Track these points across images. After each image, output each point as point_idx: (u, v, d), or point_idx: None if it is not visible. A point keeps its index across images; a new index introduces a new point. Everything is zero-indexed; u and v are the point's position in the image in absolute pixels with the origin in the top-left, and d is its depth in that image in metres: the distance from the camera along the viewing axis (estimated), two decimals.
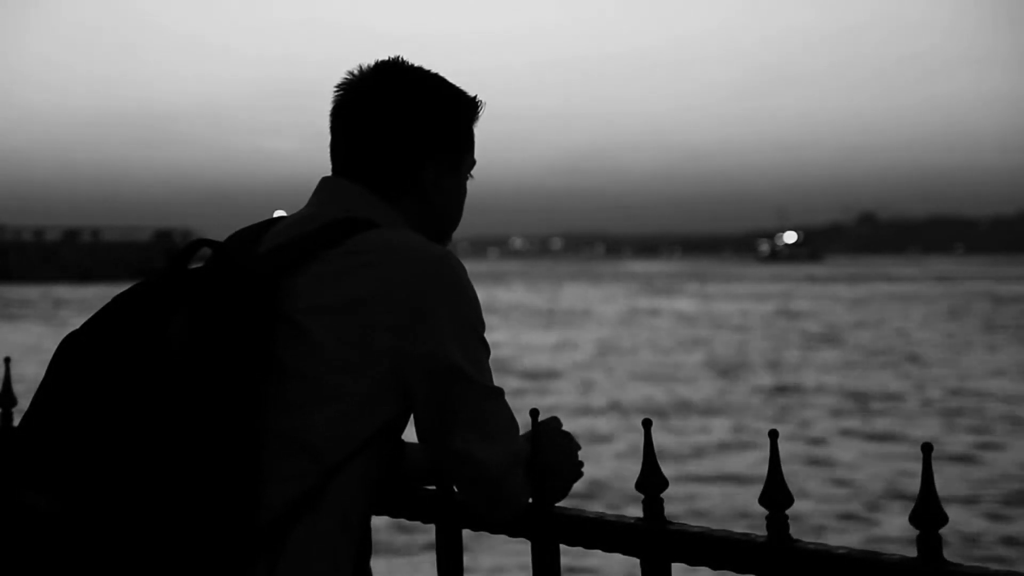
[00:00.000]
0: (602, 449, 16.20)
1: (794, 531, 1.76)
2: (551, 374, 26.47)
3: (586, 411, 20.28)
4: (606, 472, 14.42)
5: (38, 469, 1.82)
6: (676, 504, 12.24)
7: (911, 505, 1.62)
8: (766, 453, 1.81)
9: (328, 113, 2.11)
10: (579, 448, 2.08)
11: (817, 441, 17.18)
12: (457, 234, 2.21)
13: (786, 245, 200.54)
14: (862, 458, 15.77)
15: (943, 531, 1.61)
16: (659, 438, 15.21)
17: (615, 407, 20.86)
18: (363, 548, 2.00)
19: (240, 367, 1.84)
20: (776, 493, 1.74)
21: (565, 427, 2.09)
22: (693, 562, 1.84)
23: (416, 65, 2.10)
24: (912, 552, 1.62)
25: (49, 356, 1.92)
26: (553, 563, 2.01)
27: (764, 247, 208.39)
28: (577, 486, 2.14)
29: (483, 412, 1.92)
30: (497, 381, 1.97)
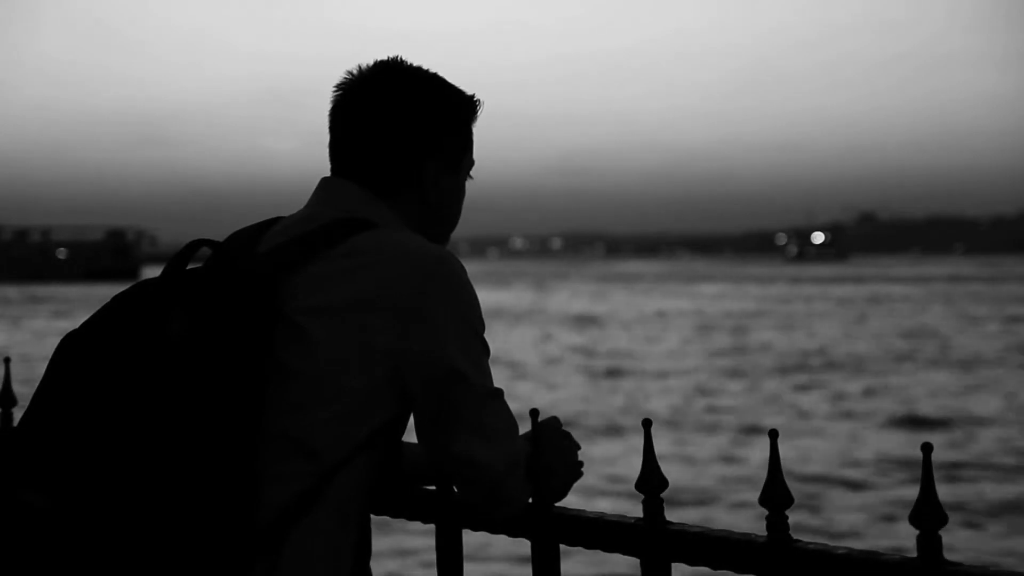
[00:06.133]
0: None
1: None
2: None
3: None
4: None
5: (38, 468, 1.82)
6: None
7: None
8: None
9: (328, 113, 2.11)
10: (579, 448, 2.08)
11: None
12: (457, 234, 2.21)
13: (813, 246, 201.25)
14: None
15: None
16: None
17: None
18: (362, 548, 2.00)
19: (240, 367, 1.84)
20: (776, 493, 1.74)
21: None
22: (693, 562, 1.84)
23: (415, 65, 2.10)
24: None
25: None
26: (553, 563, 2.00)
27: (792, 248, 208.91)
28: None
29: (483, 413, 1.92)
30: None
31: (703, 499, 13.22)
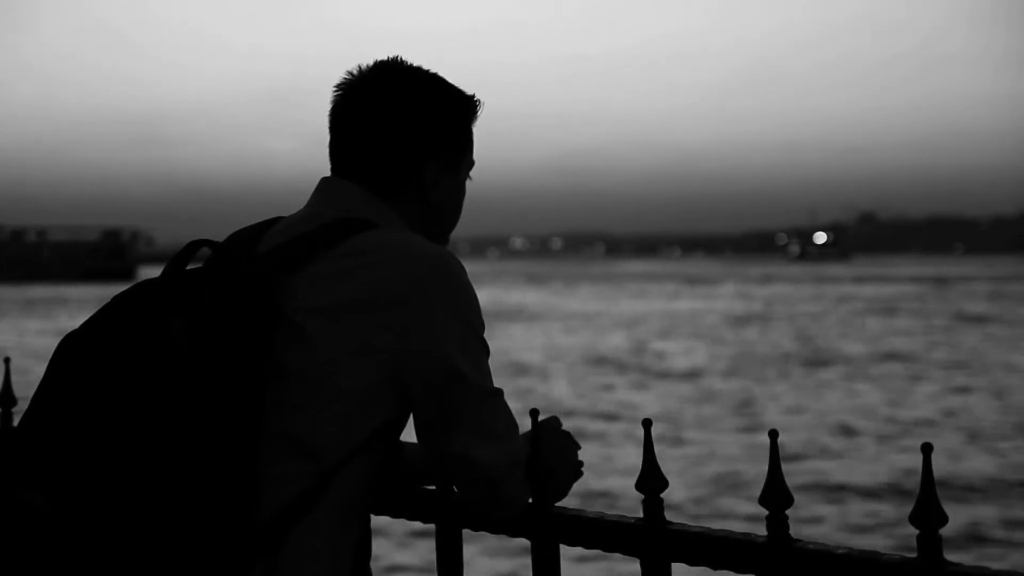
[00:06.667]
0: None
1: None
2: None
3: None
4: None
5: (37, 468, 1.82)
6: None
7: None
8: None
9: (328, 113, 2.11)
10: (579, 448, 2.08)
11: None
12: (457, 234, 2.21)
13: (815, 245, 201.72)
14: None
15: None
16: None
17: None
18: (362, 548, 2.00)
19: (240, 368, 1.84)
20: (776, 493, 1.74)
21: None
22: (693, 562, 1.84)
23: (415, 65, 2.10)
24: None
25: None
26: (553, 563, 2.01)
27: (794, 248, 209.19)
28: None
29: (483, 413, 1.92)
30: None
31: (702, 499, 13.22)
